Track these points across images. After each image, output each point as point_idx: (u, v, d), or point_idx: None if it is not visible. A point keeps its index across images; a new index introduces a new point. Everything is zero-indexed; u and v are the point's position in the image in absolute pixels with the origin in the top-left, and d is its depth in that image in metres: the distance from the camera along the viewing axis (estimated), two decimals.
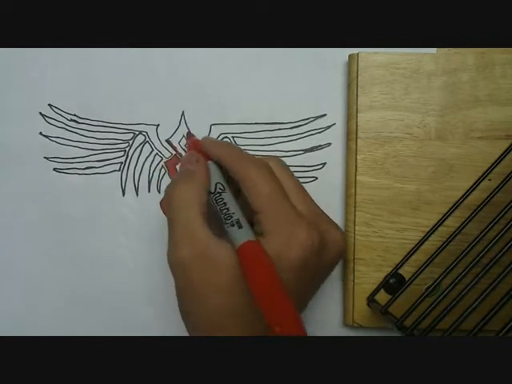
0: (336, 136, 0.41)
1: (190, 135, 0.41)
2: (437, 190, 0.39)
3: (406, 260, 0.37)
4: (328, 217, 0.35)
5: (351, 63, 0.40)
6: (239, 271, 0.30)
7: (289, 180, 0.34)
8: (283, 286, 0.29)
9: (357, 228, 0.39)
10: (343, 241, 0.34)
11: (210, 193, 0.33)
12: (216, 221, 0.33)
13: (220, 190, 0.33)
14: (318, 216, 0.34)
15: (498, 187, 0.36)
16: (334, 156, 0.41)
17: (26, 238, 0.41)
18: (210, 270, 0.31)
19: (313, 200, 0.35)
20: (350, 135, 0.40)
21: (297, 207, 0.33)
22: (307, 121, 0.41)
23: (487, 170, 0.37)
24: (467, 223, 0.36)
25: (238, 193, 0.34)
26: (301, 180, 0.37)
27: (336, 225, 0.35)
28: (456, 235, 0.36)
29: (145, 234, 0.41)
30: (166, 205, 0.34)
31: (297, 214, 0.32)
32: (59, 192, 0.41)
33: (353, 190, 0.39)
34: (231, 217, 0.31)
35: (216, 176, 0.34)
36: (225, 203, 0.32)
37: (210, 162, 0.35)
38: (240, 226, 0.31)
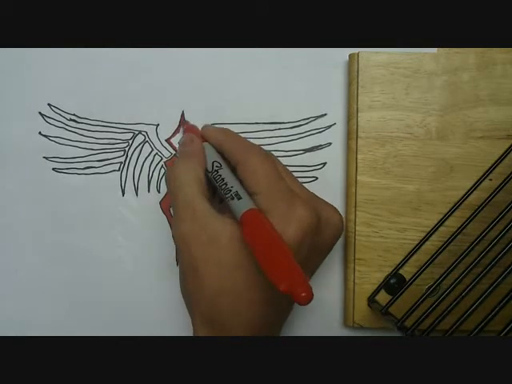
0: (336, 136, 0.41)
1: (185, 122, 0.41)
2: (437, 190, 0.39)
3: (407, 260, 0.37)
4: (324, 200, 0.35)
5: (351, 63, 0.40)
6: (240, 246, 0.31)
7: (283, 169, 0.35)
8: (288, 247, 0.29)
9: (357, 228, 0.39)
10: (340, 219, 0.35)
11: (208, 171, 0.34)
12: (218, 200, 0.34)
13: (217, 168, 0.34)
14: (313, 197, 0.35)
15: (498, 187, 0.36)
16: (335, 156, 0.41)
17: (26, 238, 0.41)
18: (211, 245, 0.31)
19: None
20: (351, 135, 0.40)
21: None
22: (307, 120, 0.41)
23: (488, 170, 0.37)
24: (468, 223, 0.36)
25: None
26: (301, 180, 0.37)
27: (333, 206, 0.35)
28: (457, 235, 0.36)
29: (144, 234, 0.41)
30: (168, 187, 0.35)
31: (293, 193, 0.33)
32: (59, 192, 0.41)
33: (353, 190, 0.39)
34: (230, 191, 0.32)
35: (212, 155, 0.35)
36: (222, 179, 0.33)
37: (205, 143, 0.36)
38: (239, 198, 0.32)
